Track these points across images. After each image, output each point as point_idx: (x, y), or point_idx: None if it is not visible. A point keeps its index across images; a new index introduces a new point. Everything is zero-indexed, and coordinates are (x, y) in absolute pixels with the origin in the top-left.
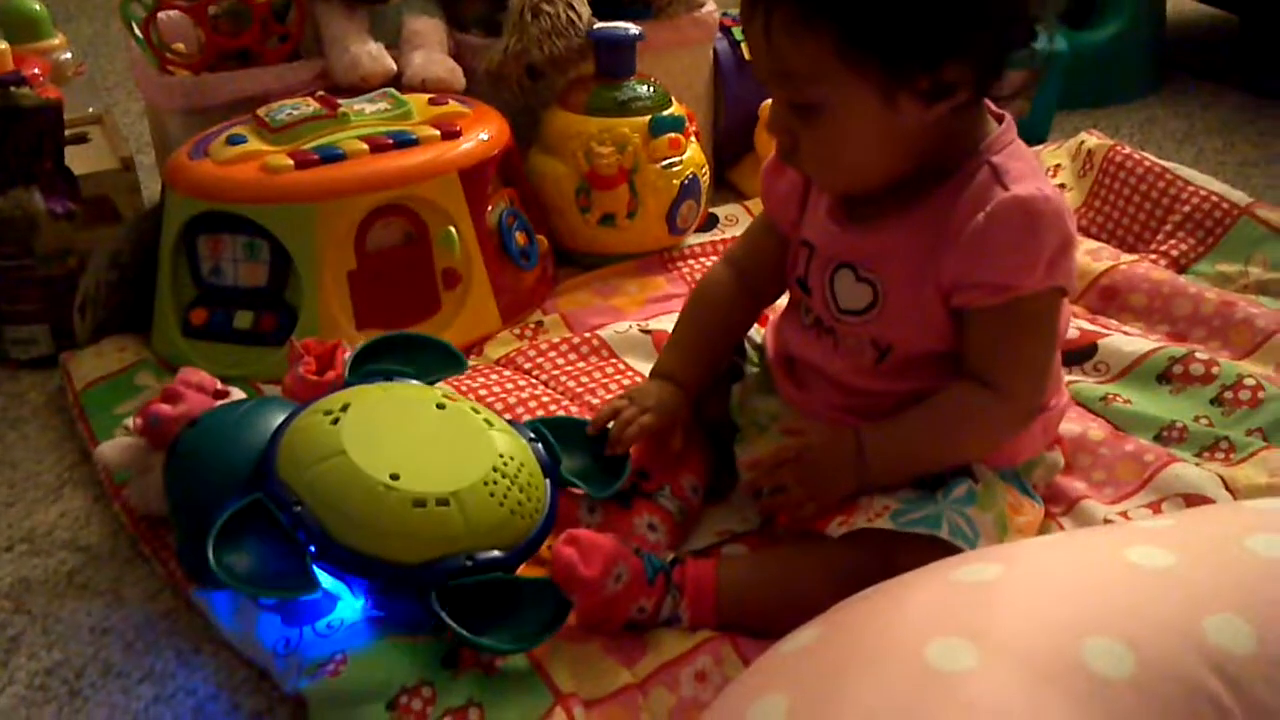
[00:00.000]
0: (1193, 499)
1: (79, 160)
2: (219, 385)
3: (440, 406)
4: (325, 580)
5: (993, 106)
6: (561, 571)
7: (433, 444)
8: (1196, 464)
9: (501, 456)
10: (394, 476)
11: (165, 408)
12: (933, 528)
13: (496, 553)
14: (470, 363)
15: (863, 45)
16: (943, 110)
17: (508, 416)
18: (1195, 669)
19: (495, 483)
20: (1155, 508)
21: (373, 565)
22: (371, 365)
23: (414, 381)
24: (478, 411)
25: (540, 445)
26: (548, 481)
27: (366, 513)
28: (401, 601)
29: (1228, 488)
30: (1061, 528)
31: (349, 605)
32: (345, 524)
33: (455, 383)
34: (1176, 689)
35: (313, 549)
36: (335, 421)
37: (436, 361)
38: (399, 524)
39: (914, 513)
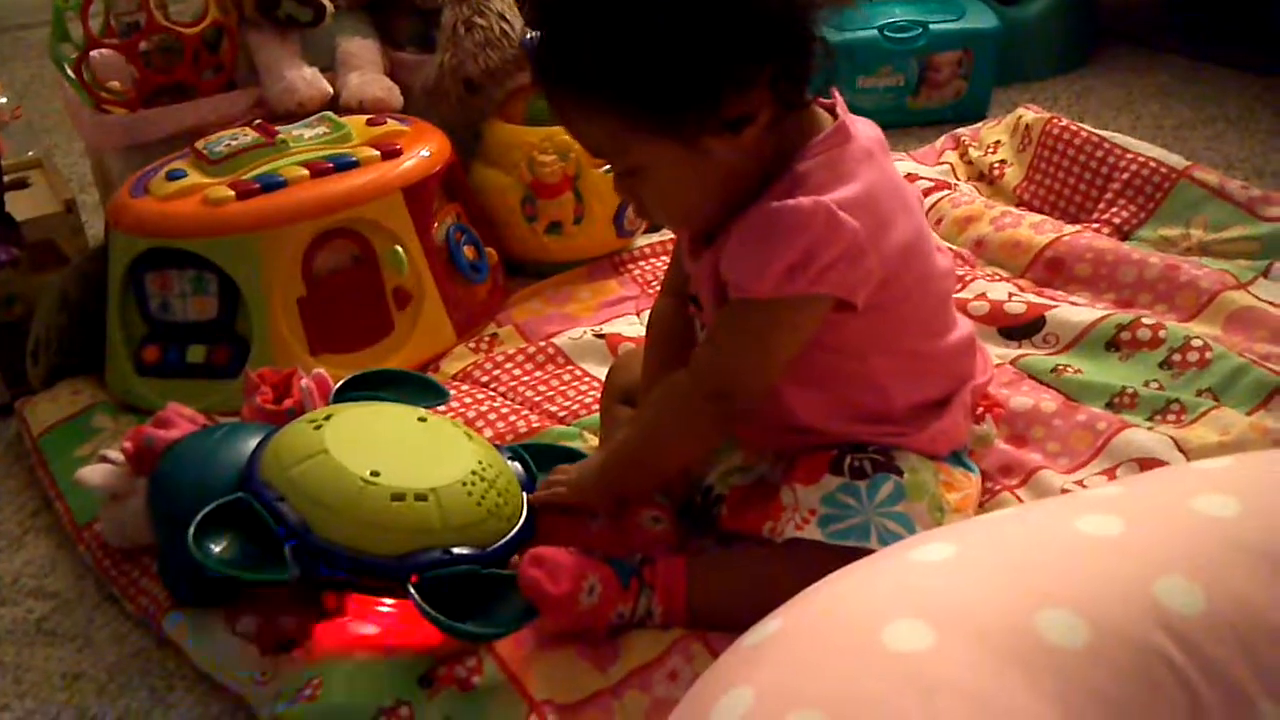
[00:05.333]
0: (1146, 463)
1: (20, 205)
2: (205, 420)
3: (422, 420)
4: None
5: (841, 108)
6: (530, 592)
7: (413, 448)
8: (1149, 428)
9: (481, 463)
10: (374, 473)
11: (160, 431)
12: (862, 539)
13: (473, 550)
14: None
15: (639, 111)
16: (753, 134)
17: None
18: (1148, 632)
19: (473, 484)
20: (1110, 474)
21: (352, 557)
22: (355, 393)
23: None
24: (457, 426)
25: (518, 464)
26: (525, 496)
27: (346, 506)
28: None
29: (1180, 449)
30: (1020, 500)
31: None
32: (325, 517)
33: None
34: (1131, 653)
35: (293, 542)
36: (318, 427)
37: (418, 394)
38: (378, 516)
39: (842, 521)
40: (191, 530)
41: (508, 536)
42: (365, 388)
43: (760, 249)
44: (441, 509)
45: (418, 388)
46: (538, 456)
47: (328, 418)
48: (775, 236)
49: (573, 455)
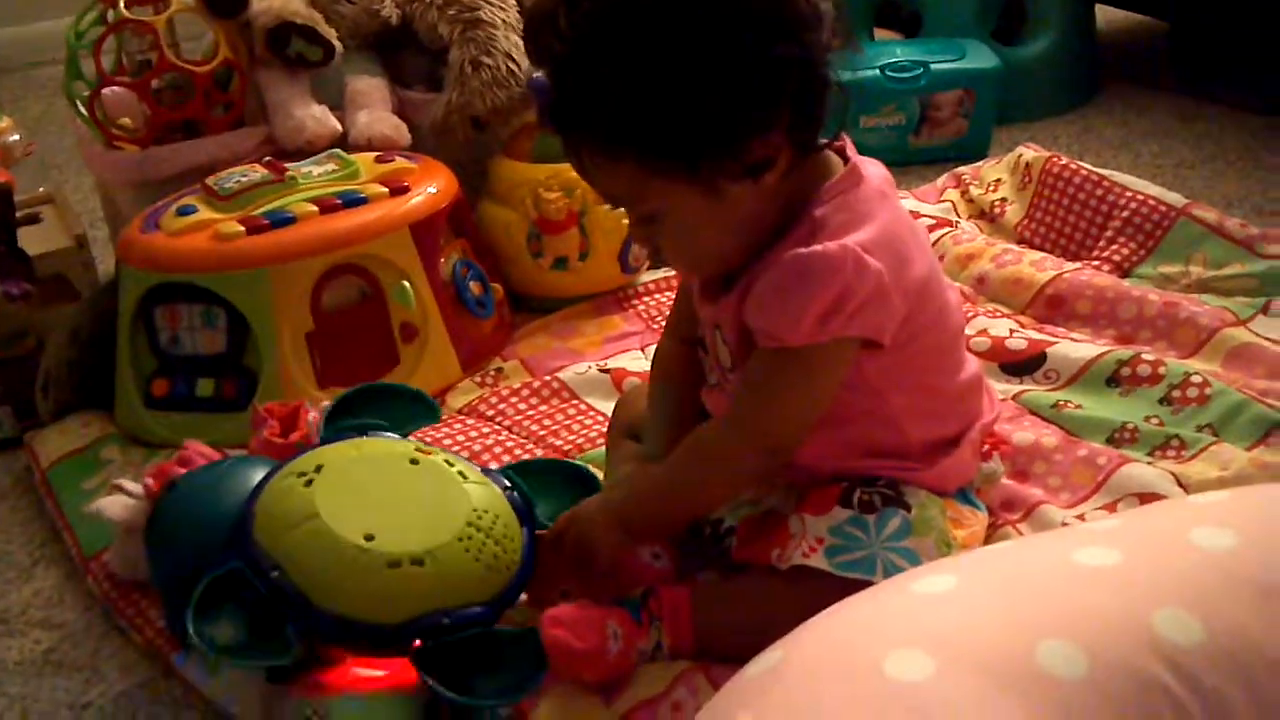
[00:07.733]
0: (1146, 498)
1: (32, 240)
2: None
3: (414, 462)
4: None
5: (850, 150)
6: (558, 653)
7: (407, 501)
8: (1149, 463)
9: (475, 510)
10: (368, 537)
11: (183, 470)
12: (867, 573)
13: (474, 608)
14: None
15: (661, 158)
16: (773, 179)
17: (477, 465)
18: (1146, 663)
19: (470, 538)
20: (1111, 508)
21: (351, 627)
22: (346, 421)
23: (389, 434)
24: (452, 464)
25: (515, 494)
26: (524, 530)
27: (342, 576)
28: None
29: (1180, 484)
30: (1020, 534)
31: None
32: (322, 588)
33: (422, 433)
34: (1130, 684)
35: (293, 622)
36: (309, 483)
37: (410, 411)
38: (375, 585)
39: (848, 553)
40: (190, 614)
41: (508, 586)
42: (357, 405)
43: (791, 297)
44: (439, 571)
45: (409, 404)
46: (532, 476)
47: (318, 468)
48: (806, 284)
49: (574, 470)
